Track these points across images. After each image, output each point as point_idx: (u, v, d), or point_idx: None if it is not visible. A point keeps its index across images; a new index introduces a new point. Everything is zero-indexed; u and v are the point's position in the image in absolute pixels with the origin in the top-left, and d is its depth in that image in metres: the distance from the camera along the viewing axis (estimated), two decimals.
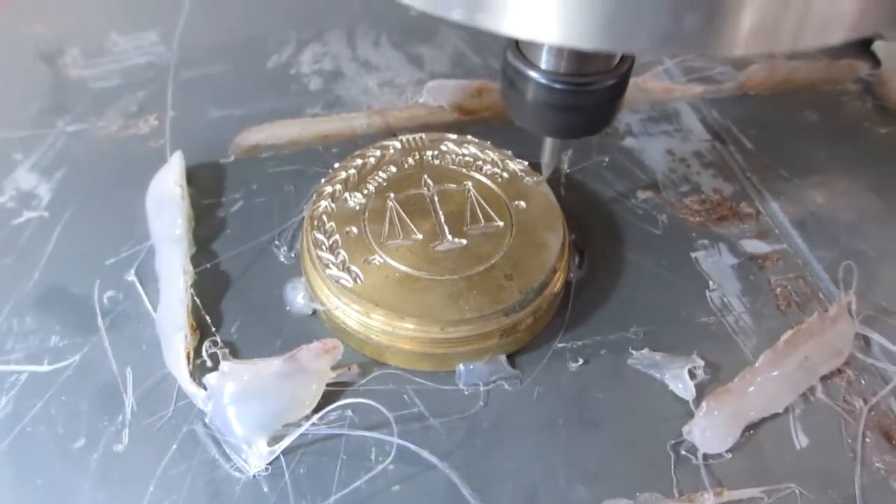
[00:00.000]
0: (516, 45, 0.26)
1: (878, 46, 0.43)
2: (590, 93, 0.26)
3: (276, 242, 0.32)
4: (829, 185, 0.37)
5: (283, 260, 0.31)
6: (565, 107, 0.26)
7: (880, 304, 0.31)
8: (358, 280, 0.27)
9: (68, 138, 0.37)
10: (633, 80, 0.40)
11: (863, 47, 0.44)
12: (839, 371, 0.29)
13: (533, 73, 0.25)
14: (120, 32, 0.44)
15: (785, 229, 0.34)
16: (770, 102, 0.41)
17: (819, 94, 0.42)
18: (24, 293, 0.30)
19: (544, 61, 0.25)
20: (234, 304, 0.30)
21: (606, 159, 0.37)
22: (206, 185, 0.34)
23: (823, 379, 0.29)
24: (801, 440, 0.27)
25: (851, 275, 0.31)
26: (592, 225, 0.34)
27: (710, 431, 0.26)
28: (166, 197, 0.32)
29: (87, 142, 0.37)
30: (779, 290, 0.32)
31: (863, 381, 0.29)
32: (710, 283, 0.32)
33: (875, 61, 0.43)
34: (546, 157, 0.30)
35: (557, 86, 0.25)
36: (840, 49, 0.44)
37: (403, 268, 0.28)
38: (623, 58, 0.26)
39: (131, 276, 0.31)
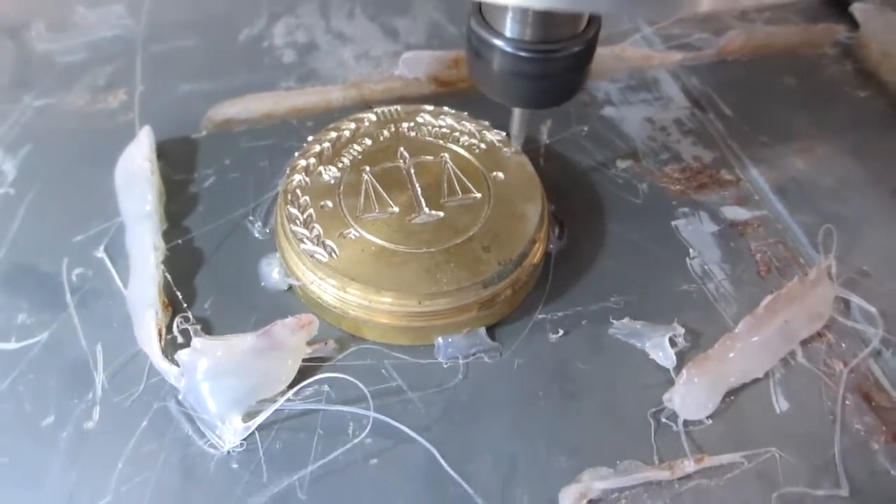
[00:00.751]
0: (480, 13, 0.25)
1: (856, 8, 0.43)
2: (556, 60, 0.25)
3: (251, 218, 0.31)
4: (809, 150, 0.37)
5: (257, 235, 0.31)
6: (532, 75, 0.25)
7: (860, 267, 0.31)
8: (333, 254, 0.27)
9: (34, 113, 0.36)
10: (611, 49, 0.40)
11: (841, 10, 0.43)
12: (819, 335, 0.29)
13: (498, 42, 0.25)
14: (86, 5, 0.43)
15: (765, 195, 0.34)
16: (749, 68, 0.41)
17: (798, 58, 0.42)
18: None
19: (509, 28, 0.24)
20: (208, 281, 0.29)
21: (586, 129, 0.36)
22: (177, 160, 0.34)
23: (804, 343, 0.29)
24: (782, 404, 0.27)
25: (831, 238, 0.31)
26: (572, 195, 0.33)
27: (689, 398, 0.26)
28: (136, 173, 0.31)
29: (53, 117, 0.36)
30: (759, 255, 0.32)
31: (843, 344, 0.29)
32: (691, 250, 0.32)
33: (853, 24, 0.43)
34: (515, 129, 0.30)
35: (523, 54, 0.25)
36: (818, 12, 0.44)
37: (379, 241, 0.27)
38: (589, 23, 0.25)
39: (101, 253, 0.30)
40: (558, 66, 0.25)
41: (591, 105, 0.38)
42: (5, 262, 0.30)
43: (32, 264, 0.30)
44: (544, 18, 0.24)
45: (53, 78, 0.38)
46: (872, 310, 0.30)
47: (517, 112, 0.30)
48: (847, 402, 0.27)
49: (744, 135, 0.37)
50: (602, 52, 0.40)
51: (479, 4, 0.25)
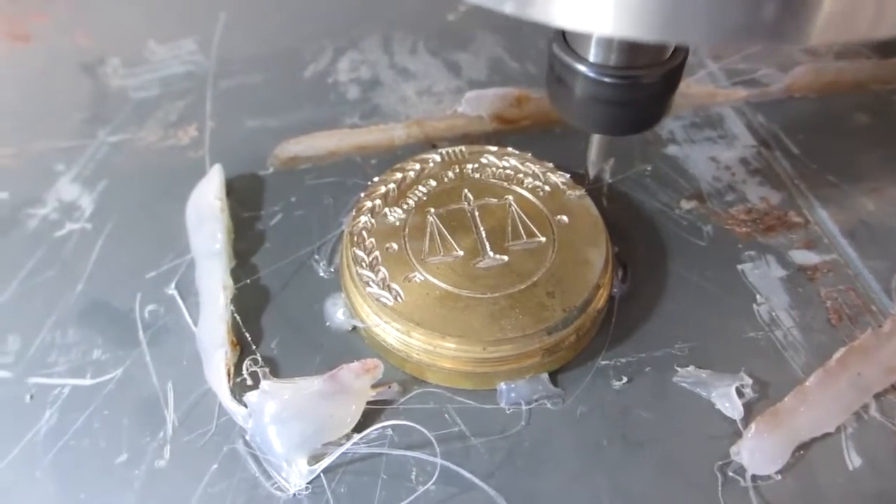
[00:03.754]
0: (563, 38, 0.25)
1: None
2: (640, 87, 0.24)
3: (316, 256, 0.32)
4: (880, 190, 0.36)
5: (322, 274, 0.31)
6: (614, 102, 0.25)
7: None
8: (398, 298, 0.27)
9: (110, 149, 0.38)
10: None
11: None
12: (893, 388, 0.28)
13: (581, 67, 0.24)
14: (158, 41, 0.44)
15: (835, 238, 0.33)
16: (818, 105, 0.40)
17: (869, 94, 0.41)
18: (68, 306, 0.31)
19: (593, 54, 0.24)
20: (274, 320, 0.30)
21: (649, 168, 0.36)
22: (245, 197, 0.34)
23: (877, 396, 0.28)
24: (854, 460, 0.26)
25: None
26: (636, 237, 0.33)
27: (758, 453, 0.26)
28: (206, 210, 0.32)
29: (127, 152, 0.37)
30: (829, 302, 0.31)
31: None
32: (758, 296, 0.31)
33: None
34: (593, 155, 0.30)
35: (606, 80, 0.24)
36: (890, 47, 0.43)
37: (444, 286, 0.27)
38: (676, 50, 0.25)
39: (172, 290, 0.31)
40: (642, 92, 0.25)
41: (655, 143, 0.37)
42: (82, 298, 0.31)
43: (107, 300, 0.31)
44: (630, 44, 0.24)
45: (127, 113, 0.39)
46: None
47: (596, 139, 0.29)
48: None
49: (812, 174, 0.36)
50: None
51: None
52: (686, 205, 0.34)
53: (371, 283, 0.28)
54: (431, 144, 0.36)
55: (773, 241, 0.33)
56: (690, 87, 0.40)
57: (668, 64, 0.25)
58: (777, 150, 0.37)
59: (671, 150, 0.37)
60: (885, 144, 0.38)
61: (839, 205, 0.35)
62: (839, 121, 0.39)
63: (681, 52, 0.25)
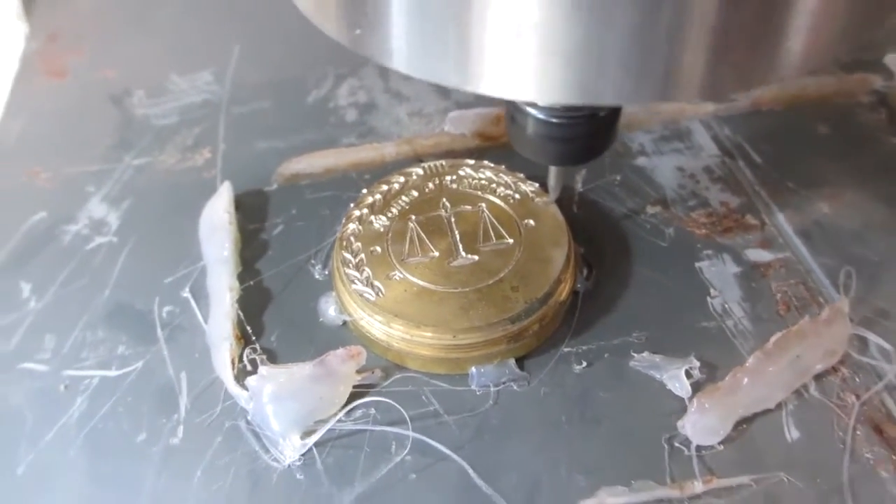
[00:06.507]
0: None
1: (890, 59, 0.44)
2: (585, 124, 0.28)
3: (312, 261, 0.36)
4: (837, 195, 0.38)
5: (318, 277, 0.35)
6: (564, 138, 0.28)
7: (880, 307, 0.33)
8: (380, 294, 0.31)
9: (134, 171, 0.42)
10: None
11: (875, 60, 0.45)
12: (833, 369, 0.31)
13: (531, 109, 0.28)
14: (179, 73, 0.48)
15: (789, 238, 0.36)
16: (782, 117, 0.43)
17: (832, 107, 0.44)
18: (97, 309, 0.34)
19: None
20: (275, 316, 0.34)
21: (618, 177, 0.39)
22: (252, 210, 0.38)
23: (817, 377, 0.30)
24: (793, 433, 0.29)
25: (851, 279, 0.33)
26: (602, 240, 0.36)
27: (700, 425, 0.28)
28: (216, 223, 0.36)
29: (149, 174, 0.42)
30: (779, 295, 0.34)
31: (857, 379, 0.31)
32: (712, 290, 0.34)
33: (888, 73, 0.45)
34: (552, 182, 0.33)
35: (554, 120, 0.28)
36: (853, 62, 0.46)
37: (421, 282, 0.31)
38: None
39: (186, 293, 0.35)
40: (588, 128, 0.28)
41: (625, 155, 0.41)
42: (109, 301, 0.35)
43: (131, 303, 0.35)
44: None
45: (150, 139, 0.44)
46: (889, 347, 0.31)
47: (553, 169, 0.33)
48: (858, 433, 0.29)
49: (772, 181, 0.39)
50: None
51: None
52: (651, 210, 0.38)
53: (356, 280, 0.31)
54: (419, 160, 0.40)
55: (729, 241, 0.36)
56: (660, 104, 0.43)
57: None
58: (740, 160, 0.40)
59: (640, 161, 0.40)
60: (845, 153, 0.41)
61: (796, 208, 0.38)
62: (802, 132, 0.42)
63: None
